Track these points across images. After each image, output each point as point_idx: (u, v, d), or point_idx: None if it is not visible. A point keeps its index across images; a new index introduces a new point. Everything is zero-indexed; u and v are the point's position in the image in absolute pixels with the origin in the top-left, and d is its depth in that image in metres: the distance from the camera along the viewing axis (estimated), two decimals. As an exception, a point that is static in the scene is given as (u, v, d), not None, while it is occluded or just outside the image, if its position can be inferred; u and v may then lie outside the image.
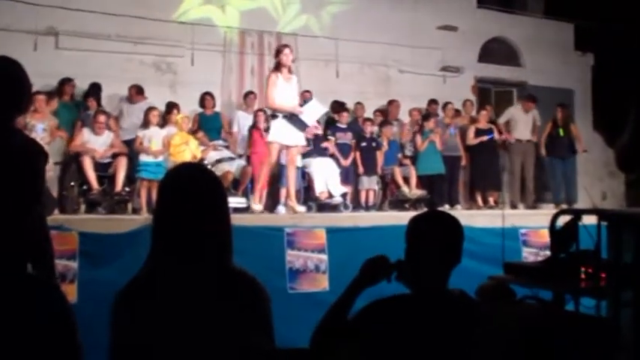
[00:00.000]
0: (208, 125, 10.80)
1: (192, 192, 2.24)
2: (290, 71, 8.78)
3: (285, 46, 8.96)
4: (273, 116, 8.59)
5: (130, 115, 10.59)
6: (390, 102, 12.69)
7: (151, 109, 9.73)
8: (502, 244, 6.15)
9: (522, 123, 12.30)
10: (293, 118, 8.58)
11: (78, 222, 7.33)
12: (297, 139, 8.77)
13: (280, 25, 12.92)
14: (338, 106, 11.91)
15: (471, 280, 3.83)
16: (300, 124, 8.67)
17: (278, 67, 8.63)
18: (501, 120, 12.49)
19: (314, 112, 8.91)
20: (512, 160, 12.25)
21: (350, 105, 12.31)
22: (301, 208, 9.10)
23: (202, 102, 11.10)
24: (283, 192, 10.14)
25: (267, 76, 8.84)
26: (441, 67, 14.06)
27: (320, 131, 10.38)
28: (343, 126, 11.48)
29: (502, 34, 14.86)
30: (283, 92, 8.54)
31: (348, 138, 11.34)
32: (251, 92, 11.54)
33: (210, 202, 2.26)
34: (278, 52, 8.70)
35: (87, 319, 2.71)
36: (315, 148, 10.82)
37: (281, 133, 8.53)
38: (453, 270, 2.72)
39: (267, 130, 8.67)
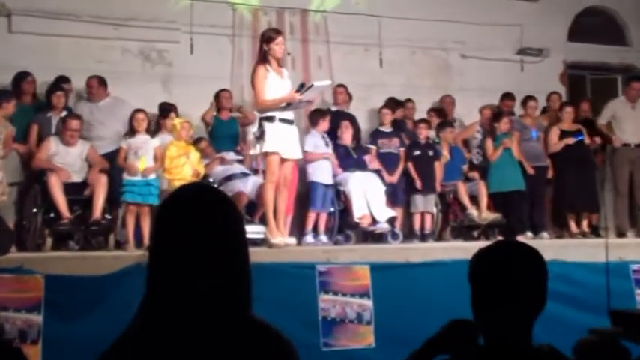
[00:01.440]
0: (222, 133, 10.88)
1: (201, 223, 2.23)
2: (280, 64, 8.84)
3: (278, 32, 9.02)
4: (267, 119, 8.60)
5: (100, 119, 10.56)
6: (443, 97, 12.72)
7: (135, 111, 9.70)
8: (607, 284, 6.07)
9: (630, 121, 12.16)
10: (289, 107, 8.63)
11: (43, 262, 7.37)
12: (293, 151, 8.80)
13: (315, 3, 12.95)
14: (395, 105, 11.92)
15: (565, 333, 3.77)
16: (299, 105, 8.76)
17: (265, 58, 8.68)
18: (602, 119, 12.31)
19: (316, 91, 8.97)
20: (617, 171, 12.11)
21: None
22: (290, 240, 9.01)
23: (218, 100, 11.12)
24: (312, 217, 10.12)
25: (253, 70, 8.85)
26: (519, 49, 14.02)
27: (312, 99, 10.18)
28: (387, 130, 11.46)
29: (600, 2, 14.78)
30: (276, 88, 8.58)
31: (394, 146, 11.31)
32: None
33: (223, 236, 2.24)
34: (269, 40, 8.71)
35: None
36: (352, 159, 10.80)
37: (278, 141, 8.55)
38: (536, 318, 2.68)
39: (260, 137, 8.62)
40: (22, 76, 10.37)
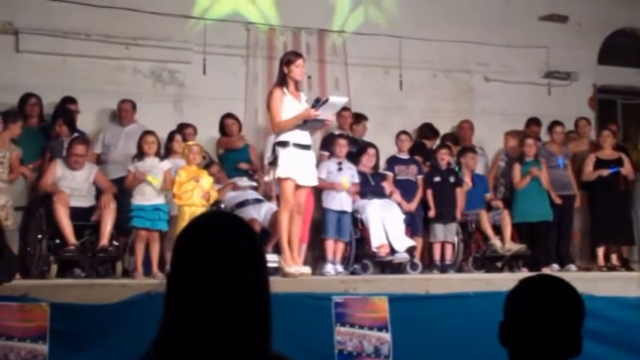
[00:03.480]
0: (234, 161, 10.96)
1: (224, 252, 2.23)
2: (298, 87, 8.90)
3: (298, 55, 9.07)
4: (281, 144, 8.64)
5: (121, 143, 10.70)
6: (461, 123, 12.75)
7: (145, 134, 9.72)
8: (640, 321, 6.06)
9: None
10: (306, 126, 8.65)
11: (48, 289, 7.37)
12: (309, 177, 8.82)
13: (335, 23, 13.02)
14: (432, 134, 12.03)
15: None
16: (316, 124, 8.77)
17: (284, 80, 8.75)
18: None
19: (332, 108, 9.02)
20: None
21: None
22: (305, 269, 9.00)
23: (223, 129, 11.21)
24: (330, 245, 10.12)
25: (269, 93, 8.93)
26: (545, 72, 14.02)
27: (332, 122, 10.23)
28: (404, 157, 11.47)
29: (631, 24, 14.78)
30: (292, 112, 8.61)
31: (411, 173, 11.33)
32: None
33: (246, 267, 2.25)
34: (288, 62, 8.78)
35: None
36: (370, 185, 10.81)
37: (293, 166, 8.57)
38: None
39: (273, 162, 8.66)
40: (25, 99, 10.44)
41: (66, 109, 10.59)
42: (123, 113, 11.02)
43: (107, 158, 10.76)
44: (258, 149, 11.48)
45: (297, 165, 8.59)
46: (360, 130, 11.94)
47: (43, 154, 10.12)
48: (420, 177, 11.32)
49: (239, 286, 2.22)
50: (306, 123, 8.64)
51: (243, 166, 10.91)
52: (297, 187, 8.69)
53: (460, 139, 12.61)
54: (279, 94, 8.65)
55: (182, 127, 10.75)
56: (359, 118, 11.93)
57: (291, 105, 8.65)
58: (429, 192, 11.20)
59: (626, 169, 11.82)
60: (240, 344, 2.20)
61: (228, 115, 11.33)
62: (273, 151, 8.69)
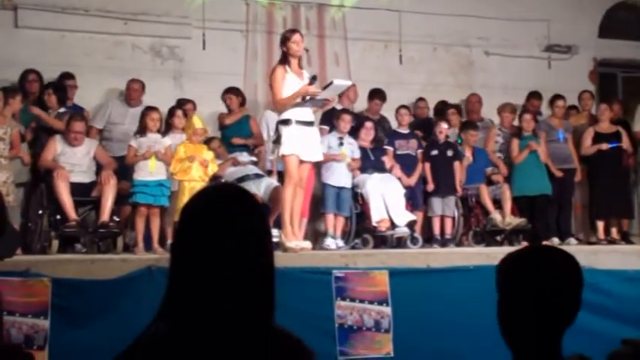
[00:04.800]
0: (232, 134, 10.94)
1: (229, 225, 2.23)
2: (300, 64, 8.93)
3: (294, 31, 9.14)
4: (284, 122, 8.67)
5: (127, 123, 10.66)
6: (470, 96, 12.69)
7: (149, 109, 9.68)
8: (640, 294, 6.07)
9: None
10: (307, 103, 8.67)
11: (49, 265, 7.39)
12: (312, 153, 8.84)
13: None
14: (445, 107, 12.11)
15: (596, 345, 3.76)
16: (317, 102, 8.81)
17: (285, 58, 8.78)
18: (638, 125, 12.14)
19: (336, 90, 9.00)
20: (651, 175, 12.09)
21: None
22: (305, 244, 9.03)
23: (224, 102, 11.23)
24: (330, 219, 10.13)
25: (271, 71, 8.97)
26: (546, 45, 14.00)
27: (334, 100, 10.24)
28: (404, 131, 11.46)
29: (633, -4, 14.73)
30: (294, 90, 8.63)
31: (411, 147, 11.32)
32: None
33: (249, 240, 2.25)
34: (285, 39, 8.83)
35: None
36: (369, 160, 10.81)
37: (296, 143, 8.60)
38: (566, 329, 2.67)
39: (276, 141, 8.70)
40: (24, 76, 10.42)
41: (58, 83, 10.57)
42: (132, 93, 10.99)
43: (111, 136, 10.77)
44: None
45: (301, 141, 8.62)
46: (374, 108, 11.90)
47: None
48: (420, 151, 11.31)
49: (240, 260, 2.22)
50: (305, 101, 8.65)
51: (237, 140, 10.90)
52: (301, 162, 8.72)
53: (468, 113, 12.60)
54: (281, 72, 8.68)
55: (181, 103, 10.72)
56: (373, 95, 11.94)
57: (293, 82, 8.68)
58: (427, 165, 11.19)
59: (625, 143, 11.83)
60: (242, 318, 2.20)
61: (227, 91, 11.31)
62: (277, 129, 8.73)
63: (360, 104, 12.07)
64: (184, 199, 8.46)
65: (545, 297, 2.61)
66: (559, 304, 2.63)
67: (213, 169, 9.42)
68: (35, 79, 10.48)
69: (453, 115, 12.24)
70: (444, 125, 11.41)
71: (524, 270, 2.67)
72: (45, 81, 10.58)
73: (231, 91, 11.31)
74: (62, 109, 10.19)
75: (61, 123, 9.77)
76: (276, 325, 2.28)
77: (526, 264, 2.69)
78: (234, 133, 10.97)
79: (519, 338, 2.64)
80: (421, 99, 12.50)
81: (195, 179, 9.06)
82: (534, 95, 12.66)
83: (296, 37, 8.81)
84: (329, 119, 10.99)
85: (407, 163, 11.18)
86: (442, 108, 12.34)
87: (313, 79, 8.75)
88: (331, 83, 8.70)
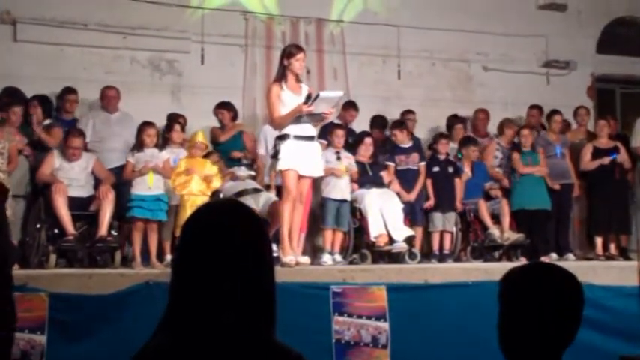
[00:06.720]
0: (226, 149, 10.92)
1: (230, 240, 2.25)
2: (298, 79, 8.96)
3: (300, 49, 9.14)
4: (282, 137, 8.70)
5: (113, 131, 10.64)
6: (478, 112, 12.69)
7: (145, 125, 9.70)
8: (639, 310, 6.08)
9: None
10: (304, 119, 8.69)
11: (47, 279, 7.40)
12: (312, 168, 8.86)
13: (334, 12, 13.00)
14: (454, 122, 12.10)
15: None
16: (314, 117, 8.81)
17: (283, 73, 8.82)
18: (636, 140, 12.13)
19: (327, 102, 9.04)
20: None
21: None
22: (303, 259, 9.04)
23: (216, 117, 11.24)
24: (328, 236, 10.12)
25: (268, 88, 9.02)
26: (544, 61, 14.02)
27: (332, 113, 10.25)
28: (405, 145, 11.46)
29: (631, 12, 14.75)
30: (290, 106, 8.67)
31: (412, 162, 11.31)
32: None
33: (247, 254, 2.26)
34: (289, 55, 8.85)
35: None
36: (368, 175, 10.81)
37: (294, 158, 8.62)
38: (566, 347, 2.68)
39: (274, 156, 8.73)
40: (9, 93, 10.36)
41: (44, 96, 10.55)
42: (112, 100, 10.85)
43: (101, 147, 10.58)
44: (253, 137, 11.43)
45: (299, 156, 8.64)
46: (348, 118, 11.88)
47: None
48: (422, 164, 11.26)
49: (239, 272, 2.23)
50: (302, 117, 8.67)
51: (237, 154, 10.91)
52: (300, 177, 8.74)
53: (474, 128, 12.61)
54: (277, 90, 8.73)
55: (172, 118, 10.72)
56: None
57: (289, 99, 8.72)
58: (429, 182, 11.20)
59: (622, 157, 11.83)
60: (243, 331, 2.21)
61: (219, 105, 11.30)
62: (274, 145, 8.76)
63: (362, 117, 12.04)
64: (186, 213, 8.47)
65: (547, 313, 2.62)
66: (561, 320, 2.65)
67: (216, 184, 9.44)
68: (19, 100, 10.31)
69: (460, 129, 12.26)
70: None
71: (527, 285, 2.68)
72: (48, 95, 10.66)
73: (223, 106, 11.29)
74: (47, 122, 10.18)
75: (52, 139, 9.79)
76: (277, 340, 2.29)
77: (529, 280, 2.70)
78: (229, 149, 10.96)
79: (520, 354, 2.65)
80: (409, 111, 12.38)
81: (194, 193, 9.08)
82: (534, 109, 12.59)
83: (300, 55, 8.85)
84: (325, 134, 11.01)
85: (408, 178, 11.14)
86: (451, 123, 12.32)
87: (308, 98, 8.76)
88: (317, 96, 8.70)
